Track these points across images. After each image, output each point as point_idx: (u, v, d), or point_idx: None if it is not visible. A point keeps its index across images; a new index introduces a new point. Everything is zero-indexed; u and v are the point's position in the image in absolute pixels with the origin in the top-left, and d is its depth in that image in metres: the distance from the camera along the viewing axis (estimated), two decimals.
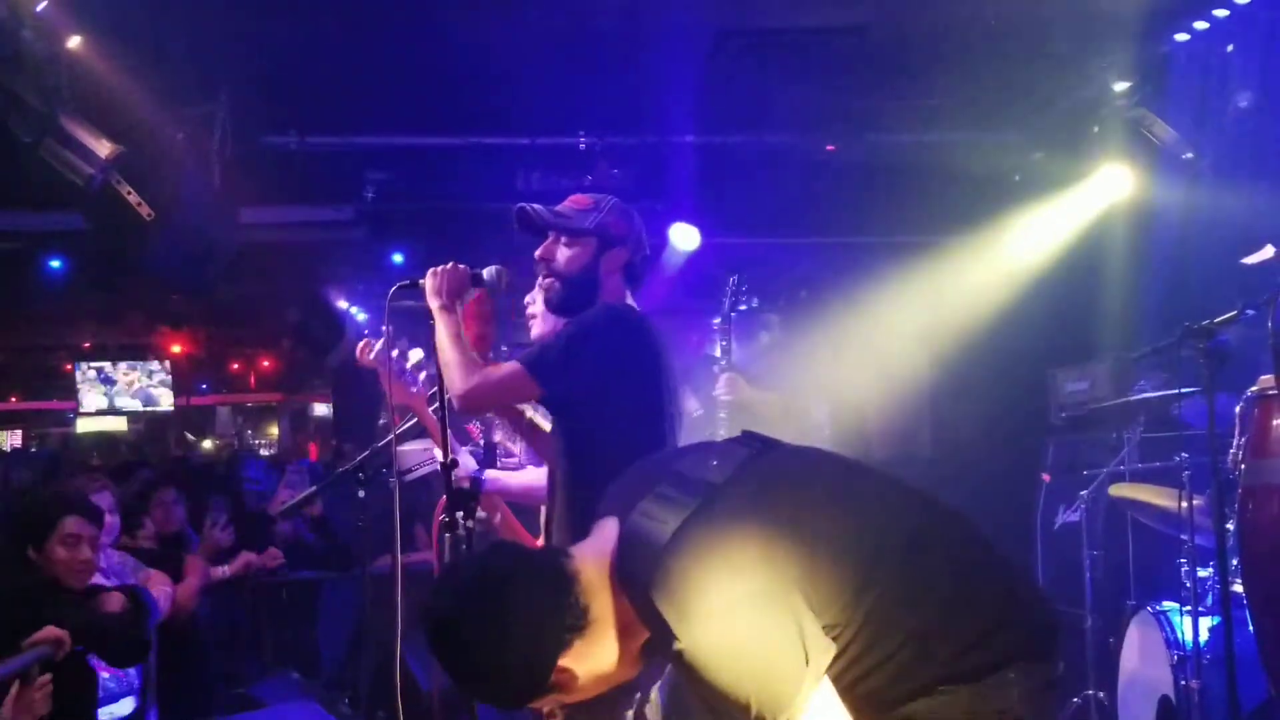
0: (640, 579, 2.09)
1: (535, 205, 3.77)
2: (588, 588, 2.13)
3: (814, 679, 2.05)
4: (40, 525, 4.58)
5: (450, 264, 3.75)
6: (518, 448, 4.94)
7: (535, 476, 4.12)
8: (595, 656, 2.15)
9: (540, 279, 3.78)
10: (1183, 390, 5.61)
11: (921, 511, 2.32)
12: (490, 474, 4.34)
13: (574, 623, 2.11)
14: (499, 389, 3.59)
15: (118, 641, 4.63)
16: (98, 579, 5.03)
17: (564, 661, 2.11)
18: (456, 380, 3.56)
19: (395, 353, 4.08)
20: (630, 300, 3.78)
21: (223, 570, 6.17)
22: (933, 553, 2.24)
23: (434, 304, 3.68)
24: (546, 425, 4.24)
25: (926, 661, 2.14)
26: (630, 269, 3.77)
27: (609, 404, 3.52)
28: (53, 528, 4.55)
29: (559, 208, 3.78)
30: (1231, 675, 4.27)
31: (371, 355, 4.08)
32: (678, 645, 2.04)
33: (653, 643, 2.16)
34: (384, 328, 3.96)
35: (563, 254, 3.72)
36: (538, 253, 3.76)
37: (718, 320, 5.84)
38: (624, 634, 2.17)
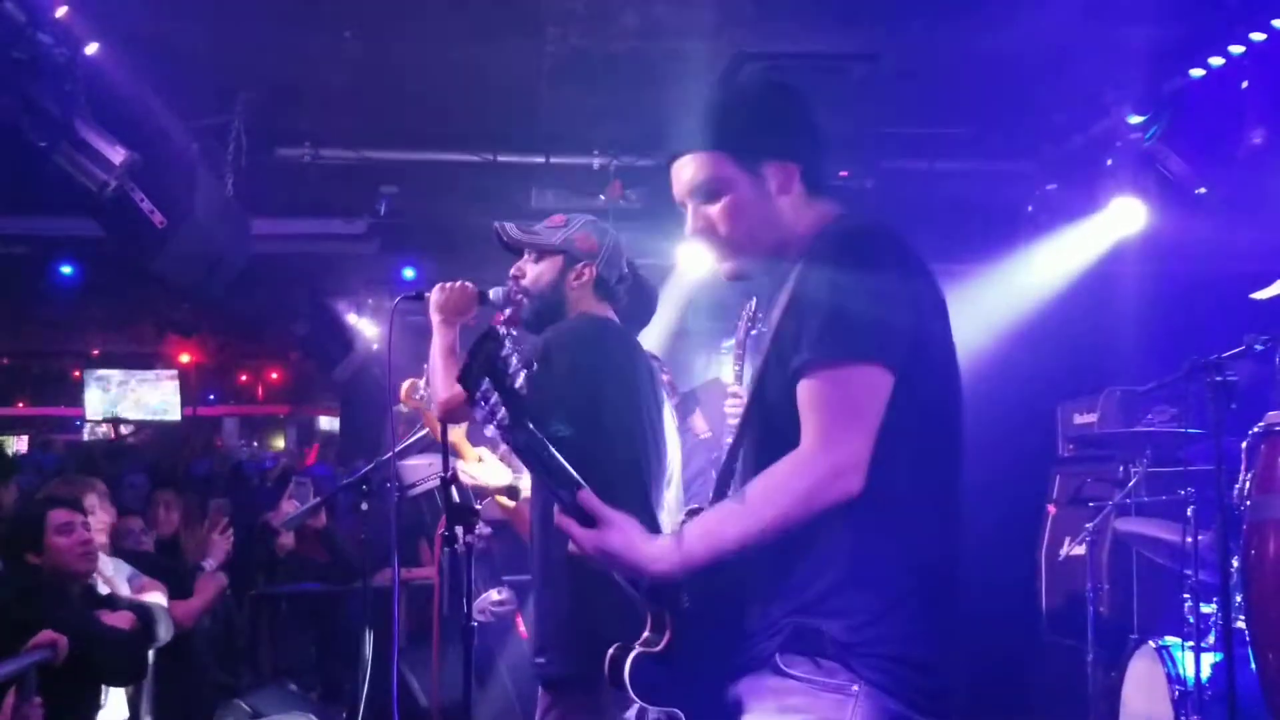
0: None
1: (508, 224, 3.84)
2: None
3: (883, 366, 2.25)
4: (30, 528, 4.65)
5: (459, 281, 3.81)
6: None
7: None
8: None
9: (513, 296, 3.82)
10: (1189, 430, 5.61)
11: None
12: (525, 482, 4.36)
13: None
14: None
15: (117, 658, 4.66)
16: (102, 587, 5.06)
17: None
18: (440, 389, 3.66)
19: (424, 381, 4.14)
20: (611, 315, 3.81)
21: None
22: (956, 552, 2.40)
23: (435, 318, 3.76)
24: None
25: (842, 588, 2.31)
26: (601, 284, 3.80)
27: (584, 414, 3.54)
28: (43, 525, 4.61)
29: (535, 226, 3.84)
30: (1233, 712, 4.25)
31: (417, 395, 4.13)
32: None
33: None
34: (388, 337, 4.00)
35: (531, 271, 3.80)
36: (511, 270, 3.83)
37: (729, 343, 5.84)
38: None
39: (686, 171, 2.57)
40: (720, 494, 2.57)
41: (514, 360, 2.26)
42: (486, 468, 4.25)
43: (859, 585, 2.32)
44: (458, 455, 4.24)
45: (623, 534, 2.35)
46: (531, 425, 2.27)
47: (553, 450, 2.32)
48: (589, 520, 2.36)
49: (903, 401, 2.30)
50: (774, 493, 2.27)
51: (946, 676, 2.38)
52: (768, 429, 2.46)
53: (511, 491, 4.24)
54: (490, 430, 2.25)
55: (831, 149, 2.63)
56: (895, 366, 2.29)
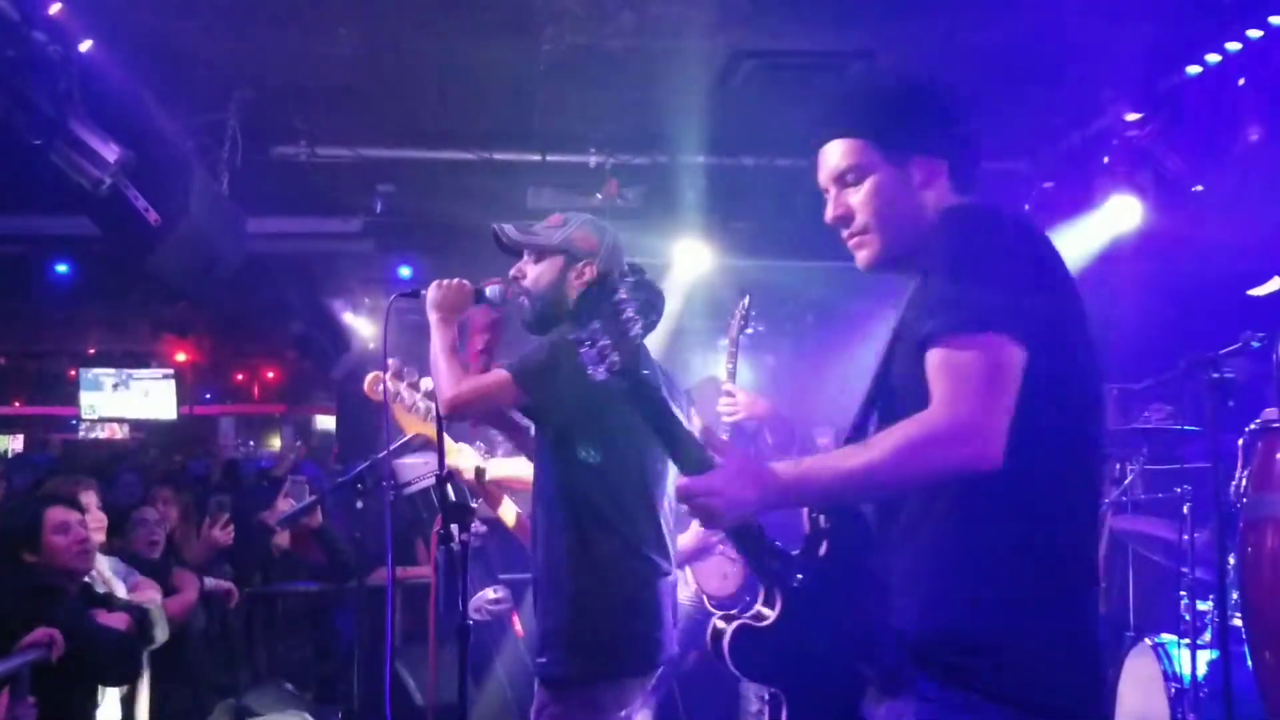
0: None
1: (506, 225, 3.83)
2: None
3: (1012, 338, 2.20)
4: (28, 527, 4.64)
5: (455, 279, 3.81)
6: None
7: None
8: None
9: (514, 297, 3.81)
10: (1186, 427, 5.60)
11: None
12: (493, 464, 4.34)
13: None
14: (483, 395, 3.63)
15: (112, 658, 4.65)
16: (100, 586, 5.05)
17: None
18: (444, 387, 3.63)
19: (405, 383, 4.12)
20: None
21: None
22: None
23: (432, 316, 3.75)
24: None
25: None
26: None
27: (591, 413, 3.54)
28: (40, 524, 4.60)
29: (533, 226, 3.83)
30: (1229, 709, 4.25)
31: (379, 388, 4.11)
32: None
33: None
34: (383, 334, 3.99)
35: (531, 271, 3.79)
36: (511, 271, 3.82)
37: (724, 341, 5.83)
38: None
39: (831, 157, 2.56)
40: None
41: (629, 309, 2.26)
42: (458, 456, 4.24)
43: (987, 584, 2.27)
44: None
45: (742, 460, 2.27)
46: (645, 373, 2.26)
47: (666, 398, 2.30)
48: (703, 466, 2.28)
49: (1036, 380, 2.23)
50: (894, 440, 2.20)
51: (1090, 688, 2.31)
52: (892, 413, 2.37)
53: (478, 473, 4.23)
54: (601, 373, 2.26)
55: (982, 151, 2.60)
56: (1023, 340, 2.22)
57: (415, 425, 4.16)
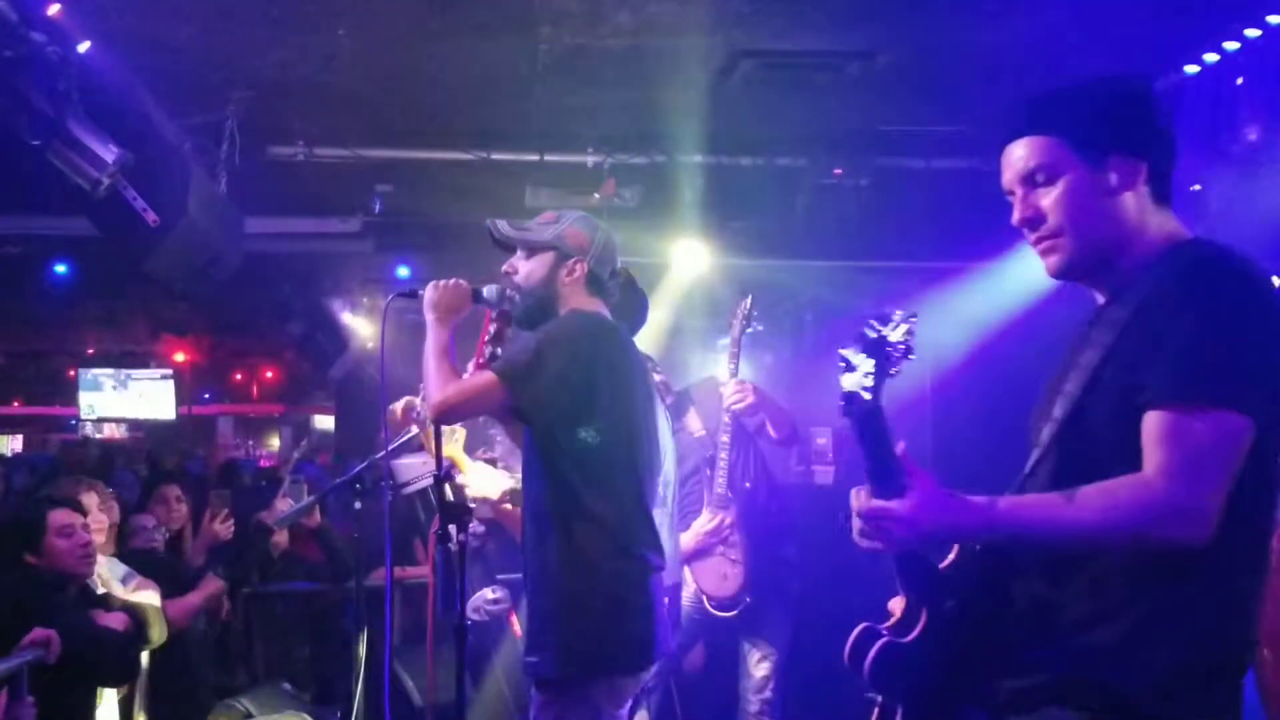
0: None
1: (499, 221, 3.84)
2: None
3: (1243, 414, 2.11)
4: (31, 528, 4.65)
5: (453, 279, 3.82)
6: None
7: None
8: None
9: (506, 293, 3.83)
10: None
11: None
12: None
13: None
14: (470, 397, 3.64)
15: (110, 658, 4.65)
16: (99, 587, 5.06)
17: None
18: (432, 389, 3.64)
19: (420, 399, 4.13)
20: (604, 311, 3.81)
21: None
22: None
23: (429, 316, 3.75)
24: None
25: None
26: (593, 280, 3.80)
27: (578, 411, 3.54)
28: (43, 526, 4.61)
29: (526, 223, 3.84)
30: None
31: (412, 414, 4.12)
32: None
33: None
34: (381, 334, 4.00)
35: (523, 268, 3.80)
36: (503, 267, 3.84)
37: (725, 341, 5.83)
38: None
39: (1018, 156, 2.44)
40: (1024, 487, 2.41)
41: (898, 351, 2.22)
42: (484, 477, 4.24)
43: (1164, 636, 2.18)
44: (453, 465, 4.22)
45: (939, 486, 2.21)
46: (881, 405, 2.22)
47: (886, 424, 2.25)
48: (896, 488, 2.22)
49: (1255, 454, 2.15)
50: (1106, 501, 2.12)
51: None
52: (1084, 453, 2.29)
53: (515, 496, 4.24)
54: (850, 381, 2.22)
55: (1178, 160, 2.49)
56: (1255, 416, 2.12)
57: (448, 449, 4.17)
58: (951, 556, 2.46)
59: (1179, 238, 2.40)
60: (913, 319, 2.19)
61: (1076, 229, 2.37)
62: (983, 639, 2.38)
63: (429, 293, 3.81)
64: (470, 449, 4.73)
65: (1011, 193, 2.47)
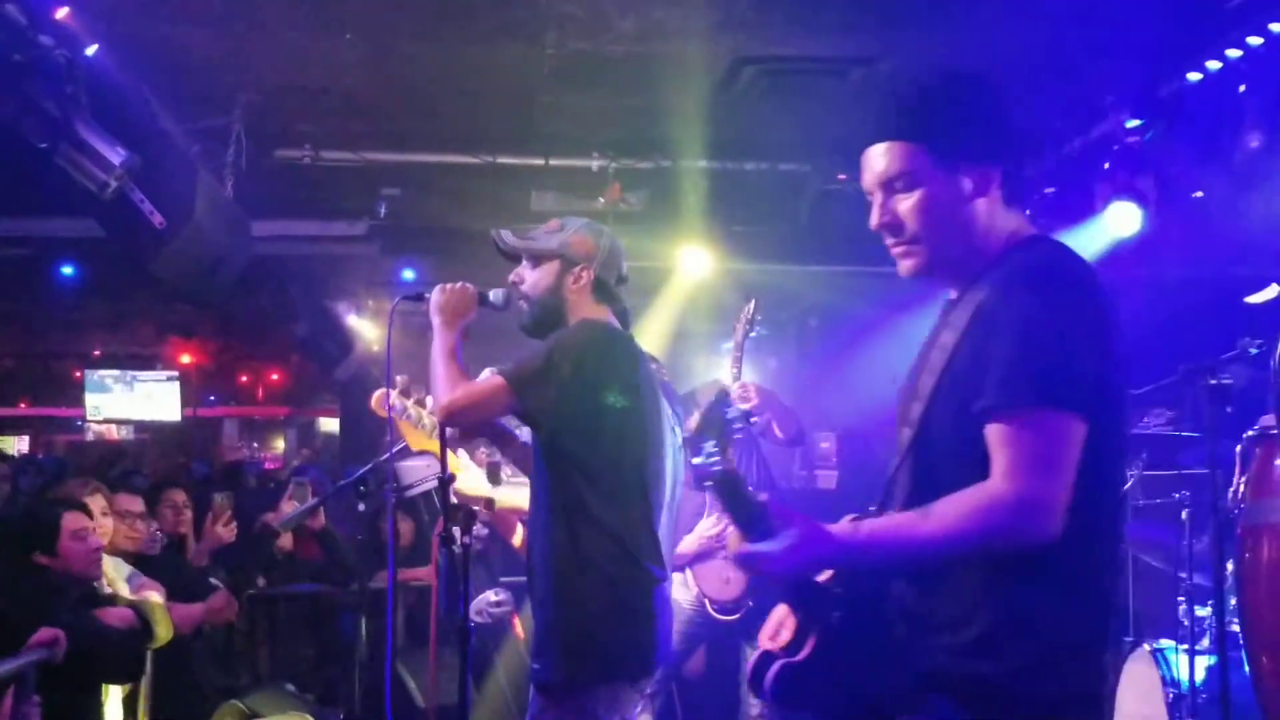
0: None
1: (504, 230, 3.85)
2: None
3: (1076, 414, 2.23)
4: (47, 530, 4.68)
5: (459, 283, 3.83)
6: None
7: None
8: None
9: (513, 302, 3.83)
10: (1185, 433, 5.62)
11: None
12: (501, 492, 4.35)
13: None
14: (478, 401, 3.65)
15: (115, 656, 4.68)
16: (105, 587, 5.09)
17: None
18: (440, 391, 3.66)
19: (413, 400, 4.15)
20: (611, 318, 3.82)
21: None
22: None
23: (435, 319, 3.77)
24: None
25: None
26: (600, 287, 3.81)
27: (587, 419, 3.56)
28: (58, 528, 4.64)
29: (531, 231, 3.85)
30: (1227, 715, 4.26)
31: (385, 404, 4.13)
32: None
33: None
34: (387, 337, 4.02)
35: (529, 277, 3.80)
36: (510, 276, 3.85)
37: (729, 345, 5.86)
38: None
39: (879, 161, 2.46)
40: (884, 505, 2.51)
41: (736, 422, 2.37)
42: (467, 478, 4.26)
43: (1021, 629, 2.29)
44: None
45: (806, 521, 2.29)
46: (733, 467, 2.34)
47: (742, 484, 2.35)
48: (757, 524, 2.32)
49: (1087, 450, 2.26)
50: (958, 512, 2.23)
51: None
52: (936, 458, 2.40)
53: (488, 503, 4.25)
54: (698, 460, 2.33)
55: (1029, 158, 2.59)
56: (1087, 415, 2.24)
57: (423, 442, 4.19)
58: (829, 570, 2.53)
59: (1019, 236, 2.48)
60: (745, 399, 2.39)
61: (932, 236, 2.45)
62: (870, 645, 2.45)
63: (436, 296, 3.82)
64: (472, 448, 4.75)
65: (871, 194, 2.52)
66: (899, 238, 2.48)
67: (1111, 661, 2.41)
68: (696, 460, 2.33)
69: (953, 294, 2.56)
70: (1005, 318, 2.29)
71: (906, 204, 2.44)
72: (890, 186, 2.46)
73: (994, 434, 2.25)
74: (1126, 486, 2.36)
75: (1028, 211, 2.60)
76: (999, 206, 2.47)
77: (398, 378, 4.17)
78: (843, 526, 2.35)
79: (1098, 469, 2.28)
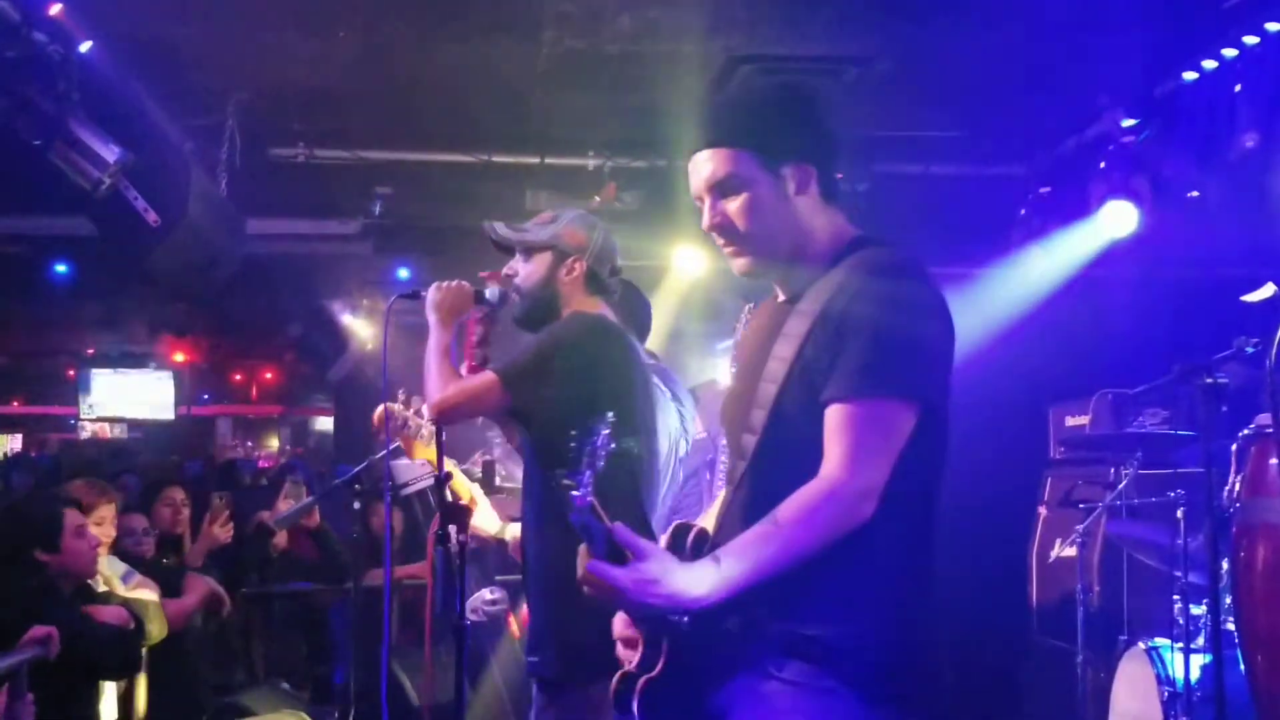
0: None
1: (497, 223, 3.85)
2: None
3: (913, 403, 2.39)
4: (49, 526, 4.67)
5: (455, 281, 3.83)
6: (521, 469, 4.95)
7: None
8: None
9: (507, 296, 3.83)
10: (1180, 432, 5.63)
11: None
12: (510, 532, 4.34)
13: None
14: (470, 398, 3.66)
15: (110, 653, 4.67)
16: (100, 585, 5.09)
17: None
18: (432, 390, 3.67)
19: (413, 410, 4.14)
20: (605, 310, 3.81)
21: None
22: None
23: (431, 317, 3.77)
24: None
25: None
26: (593, 279, 3.81)
27: (580, 415, 3.54)
28: (60, 526, 4.64)
29: (524, 224, 3.85)
30: (1221, 713, 4.26)
31: (385, 420, 4.13)
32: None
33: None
34: (383, 336, 4.01)
35: (522, 269, 3.81)
36: (504, 269, 3.85)
37: (726, 345, 5.86)
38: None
39: (706, 167, 2.61)
40: (733, 497, 2.60)
41: (603, 451, 2.35)
42: (480, 514, 4.25)
43: (849, 594, 2.40)
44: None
45: (661, 564, 2.31)
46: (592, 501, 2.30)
47: (597, 515, 2.32)
48: (621, 557, 2.31)
49: (917, 434, 2.40)
50: (808, 517, 2.31)
51: (932, 681, 2.48)
52: (783, 441, 2.49)
53: (500, 542, 4.25)
54: (576, 492, 2.28)
55: (844, 156, 2.71)
56: (923, 404, 2.40)
57: (425, 453, 4.18)
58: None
59: (845, 236, 2.63)
60: (606, 431, 2.35)
61: (761, 235, 2.59)
62: (720, 641, 2.47)
63: (432, 294, 3.82)
64: (466, 451, 4.75)
65: (700, 199, 2.66)
66: (729, 238, 2.62)
67: (944, 637, 2.52)
68: (564, 492, 2.30)
69: (780, 296, 2.69)
70: (859, 313, 2.41)
71: (735, 205, 2.59)
72: (718, 190, 2.60)
73: (835, 418, 2.38)
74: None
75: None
76: (818, 203, 2.61)
77: (400, 392, 4.17)
78: (701, 572, 2.32)
79: (930, 454, 2.45)
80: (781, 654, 2.43)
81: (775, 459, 2.50)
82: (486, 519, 4.31)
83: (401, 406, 4.18)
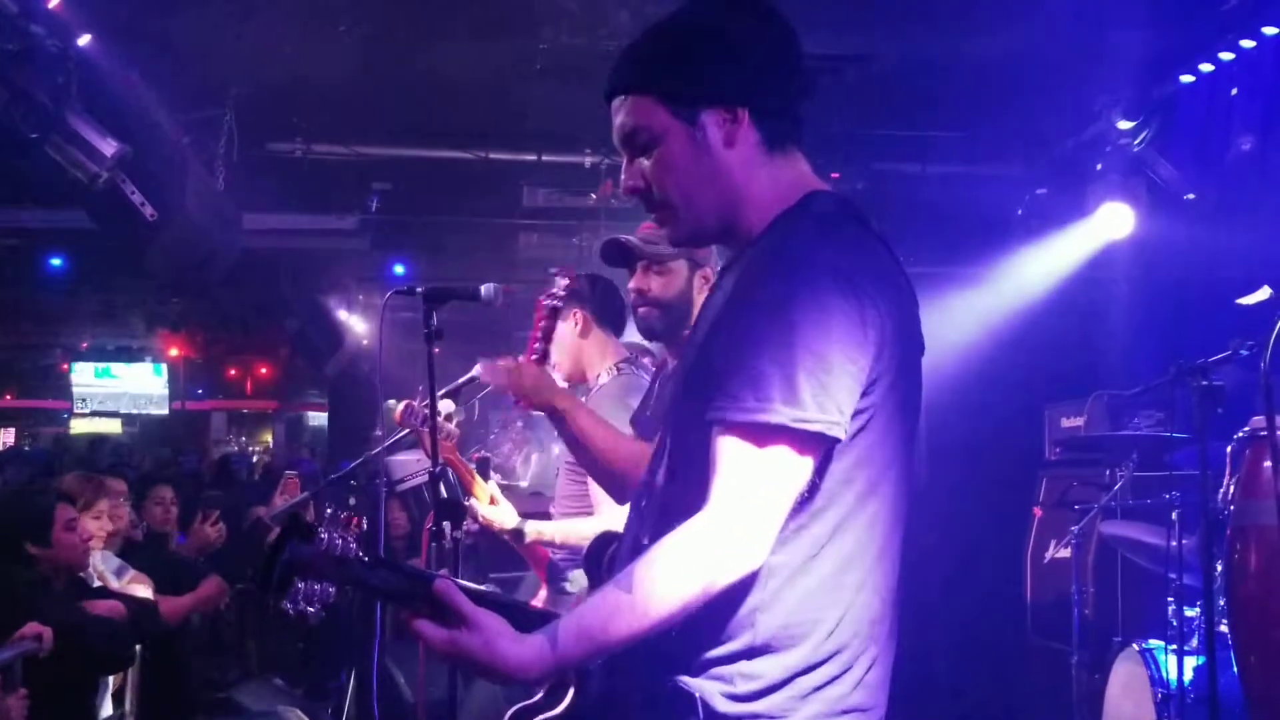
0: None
1: (626, 236, 3.71)
2: None
3: (819, 430, 1.83)
4: (40, 520, 4.66)
5: (503, 359, 3.33)
6: (524, 468, 4.94)
7: (578, 528, 3.97)
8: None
9: (635, 310, 3.64)
10: (1175, 434, 5.63)
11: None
12: (530, 526, 4.32)
13: None
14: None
15: (104, 647, 4.67)
16: (94, 581, 5.09)
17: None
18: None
19: (443, 414, 4.10)
20: None
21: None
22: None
23: (535, 409, 3.26)
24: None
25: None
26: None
27: None
28: (51, 519, 4.63)
29: (644, 235, 3.68)
30: (1215, 715, 4.27)
31: (409, 417, 4.08)
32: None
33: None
34: (379, 333, 3.99)
35: (656, 283, 3.60)
36: (631, 284, 3.66)
37: None
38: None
39: (615, 118, 2.11)
40: (647, 501, 2.12)
41: (327, 542, 1.86)
42: (497, 511, 4.21)
43: (756, 649, 1.93)
44: (468, 491, 4.17)
45: (483, 636, 1.84)
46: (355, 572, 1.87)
47: (380, 573, 1.90)
48: (446, 616, 1.86)
49: (835, 460, 1.91)
50: (670, 577, 1.84)
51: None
52: (691, 443, 1.97)
53: (517, 535, 4.21)
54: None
55: (800, 85, 2.16)
56: (834, 426, 1.86)
57: (447, 453, 4.13)
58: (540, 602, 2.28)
59: (797, 191, 2.10)
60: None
61: (683, 197, 2.07)
62: (628, 673, 2.03)
63: (504, 380, 3.23)
64: (463, 448, 4.72)
65: (623, 157, 2.16)
66: (649, 204, 2.11)
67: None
68: (302, 589, 1.88)
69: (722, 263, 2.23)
70: (745, 303, 1.93)
71: (649, 164, 2.07)
72: (632, 144, 2.09)
73: (721, 447, 1.88)
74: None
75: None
76: (759, 155, 2.07)
77: (417, 388, 4.11)
78: (532, 647, 1.84)
79: (845, 478, 1.94)
80: (661, 712, 1.96)
81: (684, 463, 2.01)
82: (506, 514, 4.28)
83: (424, 405, 4.04)
